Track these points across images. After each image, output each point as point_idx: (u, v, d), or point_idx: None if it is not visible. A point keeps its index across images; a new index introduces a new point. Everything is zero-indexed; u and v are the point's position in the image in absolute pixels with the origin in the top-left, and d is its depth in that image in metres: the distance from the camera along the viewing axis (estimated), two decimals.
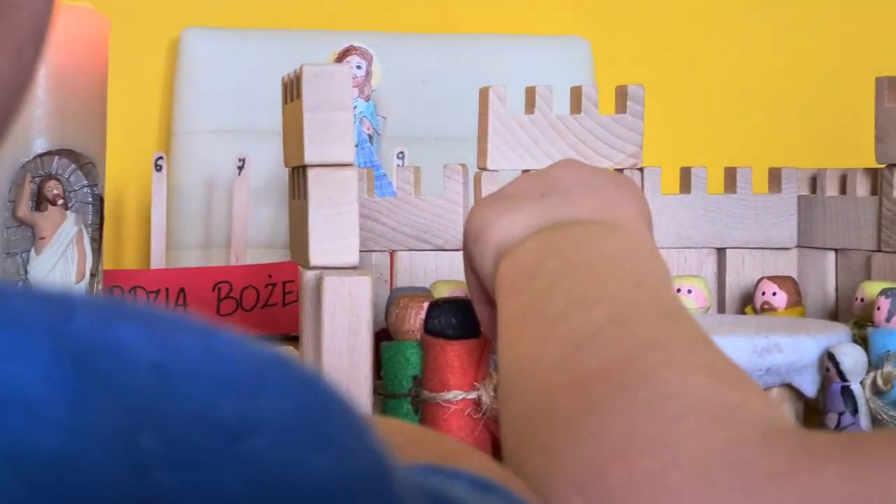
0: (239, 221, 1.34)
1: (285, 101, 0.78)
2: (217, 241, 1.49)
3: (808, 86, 1.91)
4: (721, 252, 0.92)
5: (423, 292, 0.79)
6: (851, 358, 0.74)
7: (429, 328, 0.72)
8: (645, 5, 1.88)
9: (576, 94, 0.90)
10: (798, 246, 0.92)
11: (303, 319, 0.73)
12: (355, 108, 1.33)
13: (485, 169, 0.88)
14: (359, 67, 1.33)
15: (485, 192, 0.87)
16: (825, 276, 0.91)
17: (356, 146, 1.33)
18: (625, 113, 0.90)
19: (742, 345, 0.75)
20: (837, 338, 0.76)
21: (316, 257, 0.71)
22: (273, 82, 1.54)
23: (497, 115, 0.88)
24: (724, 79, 1.90)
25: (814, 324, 0.80)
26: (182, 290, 1.31)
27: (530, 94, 0.89)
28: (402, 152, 1.36)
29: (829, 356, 0.75)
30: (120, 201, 1.62)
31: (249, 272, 1.33)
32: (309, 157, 0.72)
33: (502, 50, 1.59)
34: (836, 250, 0.90)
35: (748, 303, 0.90)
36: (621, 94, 0.90)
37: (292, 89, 0.75)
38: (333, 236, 0.71)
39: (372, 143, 1.34)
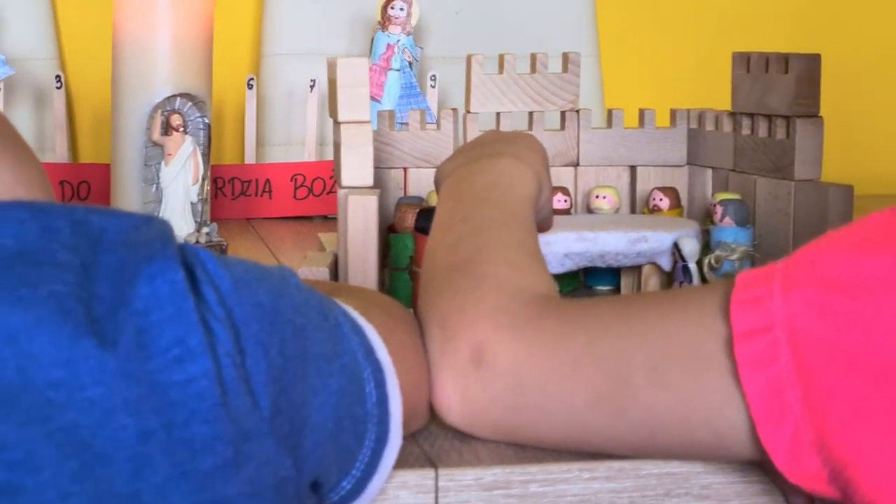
0: (310, 129, 1.75)
1: (329, 78, 1.17)
2: (296, 139, 1.90)
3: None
4: (633, 169, 1.31)
5: (417, 201, 1.20)
6: (689, 247, 1.13)
7: (417, 227, 1.13)
8: None
9: (533, 58, 1.28)
10: (688, 164, 1.31)
11: (339, 218, 1.13)
12: (398, 41, 1.72)
13: (469, 112, 1.28)
14: (401, 9, 1.72)
15: (469, 129, 1.27)
16: (706, 187, 1.29)
17: (398, 70, 1.73)
18: (566, 73, 1.28)
19: (621, 237, 1.14)
20: (686, 232, 1.15)
21: (346, 181, 1.11)
22: (339, 15, 1.94)
23: (477, 75, 1.27)
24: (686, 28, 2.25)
25: (673, 222, 1.19)
26: (268, 180, 1.72)
27: (501, 59, 1.28)
28: (434, 75, 1.75)
29: (675, 245, 1.14)
30: (220, 107, 2.03)
31: (318, 167, 1.74)
32: (342, 117, 1.12)
33: None
34: (712, 168, 1.29)
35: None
36: (565, 59, 1.29)
37: (333, 71, 1.14)
38: (356, 167, 1.11)
39: (412, 68, 1.72)
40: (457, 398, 0.78)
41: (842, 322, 0.68)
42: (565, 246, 1.14)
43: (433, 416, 0.79)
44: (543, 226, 1.04)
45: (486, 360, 0.77)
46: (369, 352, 0.72)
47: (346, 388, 0.69)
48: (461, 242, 0.87)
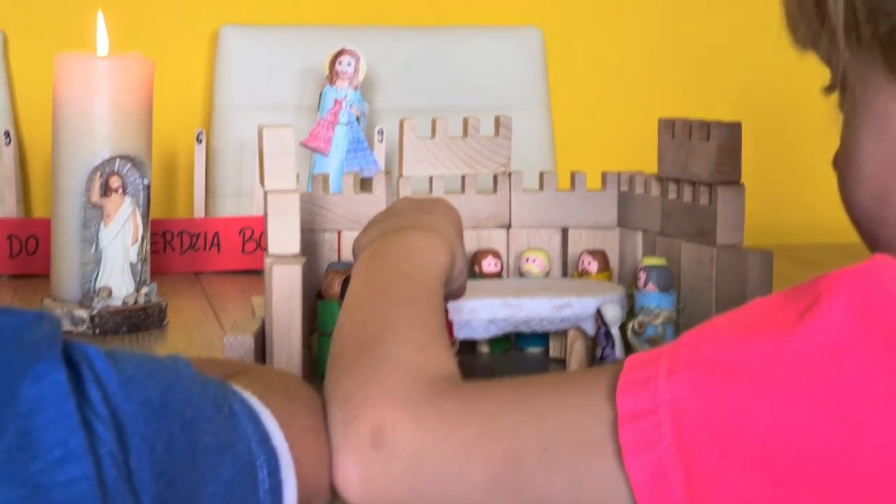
0: (258, 182, 1.77)
1: (258, 146, 1.19)
2: (247, 191, 1.91)
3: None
4: (565, 231, 1.33)
5: (346, 268, 1.21)
6: (611, 313, 1.15)
7: (342, 295, 1.14)
8: None
9: (465, 122, 1.30)
10: (619, 226, 1.33)
11: (266, 285, 1.15)
12: (346, 96, 1.74)
13: (402, 175, 1.30)
14: (349, 65, 1.74)
15: (402, 192, 1.29)
16: (636, 249, 1.31)
17: (346, 124, 1.75)
18: (498, 136, 1.30)
19: (545, 303, 1.16)
20: (609, 298, 1.17)
21: (272, 249, 1.13)
22: (289, 68, 1.96)
23: (410, 139, 1.29)
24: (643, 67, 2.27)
25: (598, 287, 1.21)
26: (216, 233, 1.74)
27: (433, 123, 1.30)
28: (381, 129, 1.77)
29: (598, 311, 1.16)
30: (172, 160, 2.05)
31: None
32: (268, 186, 1.13)
33: (467, 39, 1.99)
34: (643, 231, 1.31)
35: None
36: (497, 123, 1.31)
37: (260, 139, 1.16)
38: (282, 235, 1.13)
39: (360, 123, 1.74)
40: (357, 479, 0.79)
41: (722, 405, 0.69)
42: (490, 312, 1.16)
43: (335, 496, 0.81)
44: (457, 294, 1.06)
45: (385, 441, 0.79)
46: (264, 439, 0.73)
47: (237, 477, 0.70)
48: (369, 321, 0.89)
